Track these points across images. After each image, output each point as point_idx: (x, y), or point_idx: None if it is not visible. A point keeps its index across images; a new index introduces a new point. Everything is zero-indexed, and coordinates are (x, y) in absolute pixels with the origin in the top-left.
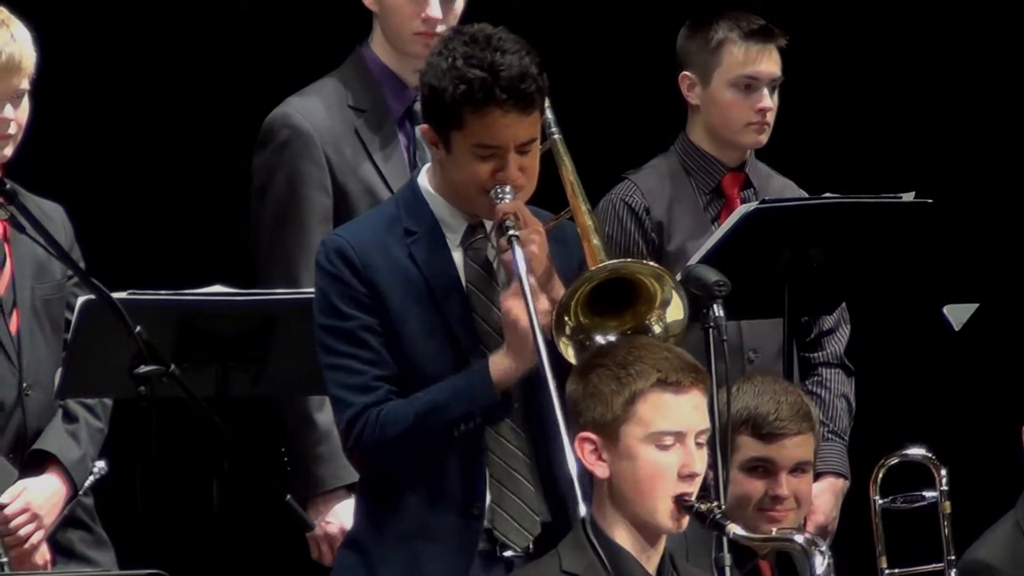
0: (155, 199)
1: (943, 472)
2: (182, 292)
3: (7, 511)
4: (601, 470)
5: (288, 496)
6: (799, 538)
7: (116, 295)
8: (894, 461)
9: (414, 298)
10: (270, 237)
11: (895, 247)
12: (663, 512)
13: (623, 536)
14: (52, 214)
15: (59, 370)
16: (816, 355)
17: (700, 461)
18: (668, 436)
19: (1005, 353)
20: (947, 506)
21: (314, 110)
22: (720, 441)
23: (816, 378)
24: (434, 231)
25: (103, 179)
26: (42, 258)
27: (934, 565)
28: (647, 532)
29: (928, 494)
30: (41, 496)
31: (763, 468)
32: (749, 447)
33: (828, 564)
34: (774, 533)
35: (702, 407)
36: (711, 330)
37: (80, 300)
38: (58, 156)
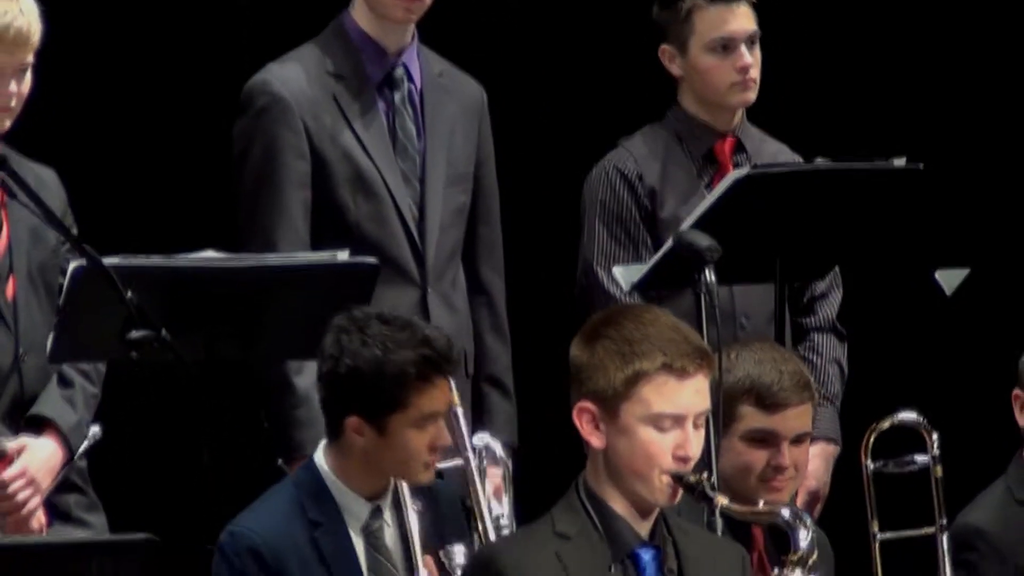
0: (146, 165)
1: (935, 436)
2: (173, 257)
3: (4, 475)
4: (597, 440)
5: (280, 460)
6: (785, 512)
7: (107, 260)
8: (886, 426)
9: None
10: (248, 203)
11: (887, 212)
12: (656, 488)
13: (617, 501)
14: (46, 179)
15: (50, 335)
16: (808, 320)
17: (696, 443)
18: (667, 419)
19: (997, 318)
20: (939, 470)
21: (293, 76)
22: (713, 408)
23: (808, 343)
24: (337, 520)
25: (94, 144)
26: (37, 224)
27: (925, 529)
28: (640, 504)
29: (920, 458)
30: (39, 460)
31: (765, 438)
32: (752, 418)
33: (812, 538)
34: (761, 506)
35: (704, 390)
36: (703, 295)
37: (72, 265)
38: (49, 121)
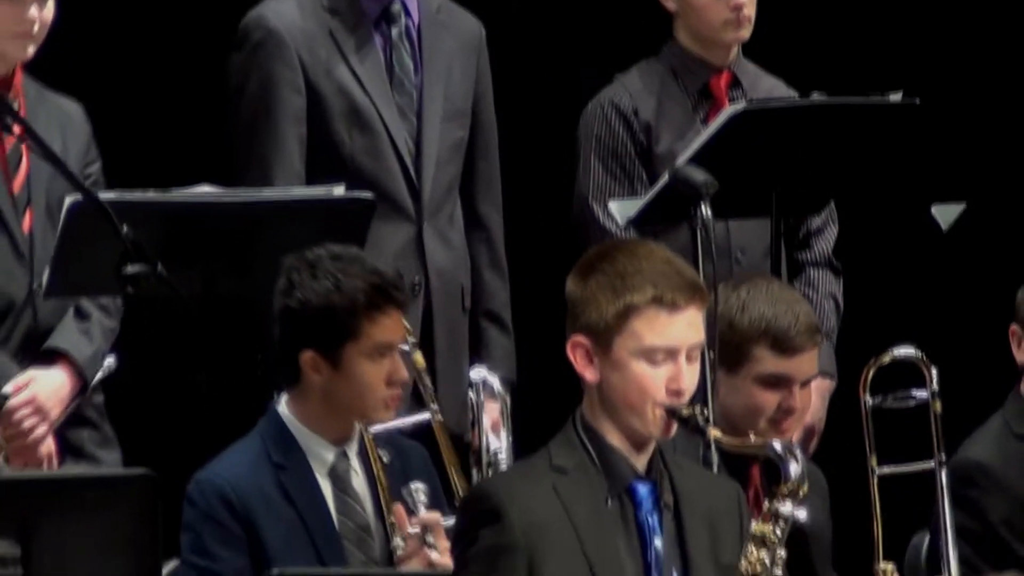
0: (143, 100)
1: (933, 371)
2: (169, 193)
3: (11, 403)
4: (591, 374)
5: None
6: (776, 444)
7: (103, 196)
8: (885, 361)
9: (292, 537)
10: (244, 138)
11: (883, 147)
12: (650, 421)
13: (613, 435)
14: (71, 112)
15: (46, 269)
16: (804, 255)
17: (690, 376)
18: (660, 352)
19: (994, 252)
20: (938, 405)
21: (288, 11)
22: (709, 342)
23: (804, 278)
24: (302, 463)
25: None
26: (60, 157)
27: (924, 464)
28: (635, 437)
29: (918, 393)
30: (48, 390)
31: (778, 382)
32: (767, 361)
33: (802, 470)
34: (752, 438)
35: (697, 323)
36: (699, 230)
37: (67, 200)
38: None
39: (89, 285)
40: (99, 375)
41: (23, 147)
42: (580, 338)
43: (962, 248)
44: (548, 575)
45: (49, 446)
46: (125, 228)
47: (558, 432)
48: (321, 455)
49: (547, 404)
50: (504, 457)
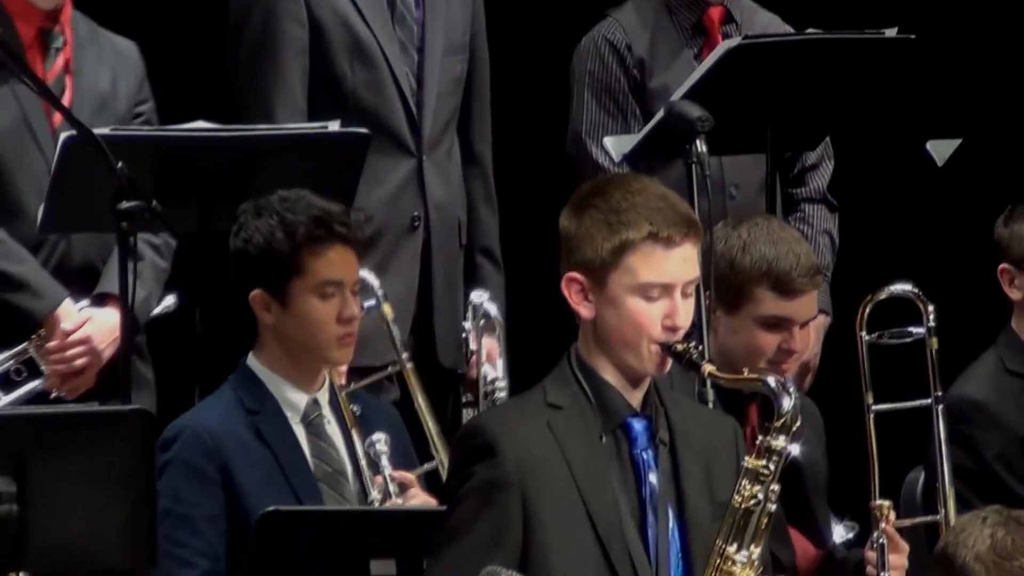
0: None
1: (930, 308)
2: (164, 128)
3: (69, 339)
4: (586, 311)
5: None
6: (771, 380)
7: (98, 131)
8: (881, 297)
9: (267, 478)
10: (246, 72)
11: (878, 82)
12: (646, 357)
13: (608, 371)
14: (124, 51)
15: (41, 205)
16: (799, 191)
17: (685, 312)
18: (655, 288)
19: (990, 188)
20: (934, 342)
21: None
22: (704, 278)
23: (799, 214)
24: (275, 409)
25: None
26: (107, 94)
27: (920, 401)
28: (630, 373)
29: (915, 330)
30: (102, 329)
31: (778, 324)
32: (768, 303)
33: (795, 405)
34: (746, 373)
35: (692, 259)
36: (694, 166)
37: (62, 136)
38: None
39: (84, 221)
40: (158, 310)
41: (67, 80)
42: (575, 274)
43: (958, 184)
44: (542, 511)
45: (90, 381)
46: (120, 163)
47: (552, 369)
48: (293, 402)
49: (541, 341)
50: (503, 385)
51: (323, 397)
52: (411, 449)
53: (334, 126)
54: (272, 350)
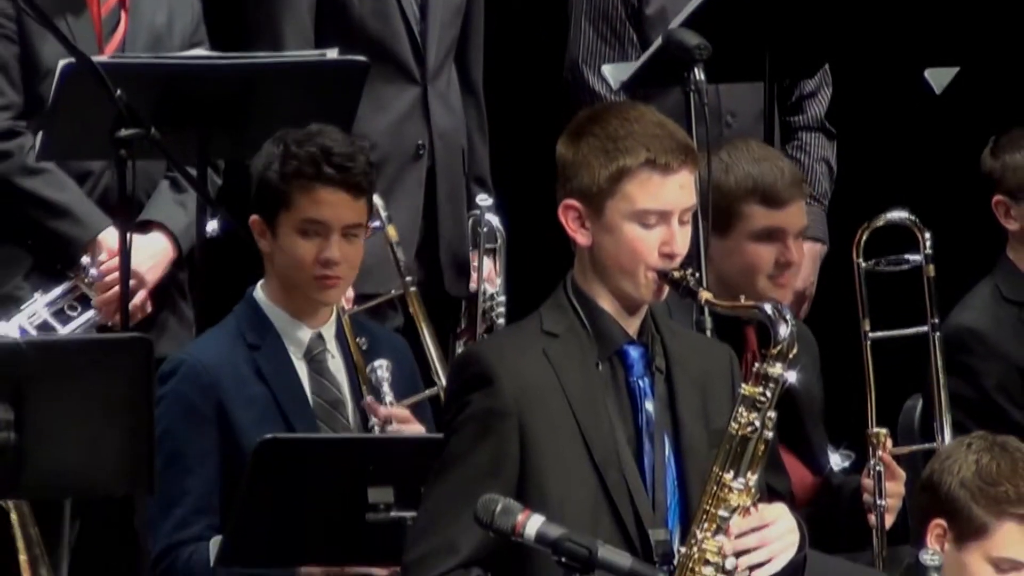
0: None
1: (927, 235)
2: (163, 56)
3: (106, 266)
4: (583, 238)
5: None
6: (767, 307)
7: (97, 59)
8: (878, 224)
9: (263, 414)
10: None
11: (877, 9)
12: (642, 284)
13: (604, 299)
14: None
15: (39, 133)
16: (796, 119)
17: (682, 239)
18: (652, 215)
19: (987, 115)
20: (930, 269)
21: None
22: (702, 207)
23: (796, 142)
24: (276, 344)
25: None
26: (161, 31)
27: (917, 329)
28: (627, 301)
29: (911, 257)
30: (146, 255)
31: (772, 235)
32: (759, 217)
33: (792, 332)
34: (742, 300)
35: (689, 186)
36: (691, 94)
37: (61, 63)
38: None
39: (82, 149)
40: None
41: (122, 12)
42: (572, 202)
43: (956, 111)
44: (539, 439)
45: (145, 308)
46: (119, 91)
47: (548, 297)
48: (296, 336)
49: (537, 270)
50: (502, 301)
51: (329, 331)
52: (418, 378)
53: (332, 54)
54: (274, 282)
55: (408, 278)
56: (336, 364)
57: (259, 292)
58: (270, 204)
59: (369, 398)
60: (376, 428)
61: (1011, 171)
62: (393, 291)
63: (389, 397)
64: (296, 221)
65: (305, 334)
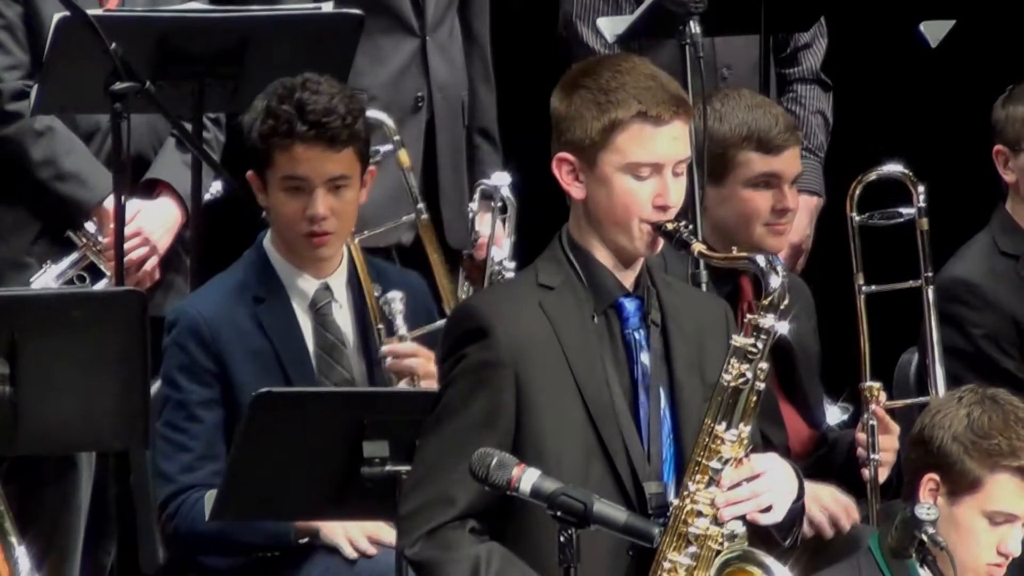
0: None
1: (920, 188)
2: (158, 9)
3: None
4: (577, 191)
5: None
6: (759, 258)
7: (92, 12)
8: (872, 177)
9: (262, 368)
10: None
11: None
12: (636, 237)
13: (599, 252)
14: None
15: (34, 87)
16: (792, 71)
17: (676, 191)
18: (645, 167)
19: (982, 68)
20: (924, 223)
21: None
22: (697, 159)
23: (791, 94)
24: (281, 296)
25: None
26: None
27: (911, 282)
28: (622, 254)
29: (905, 210)
30: (156, 220)
31: (768, 181)
32: (754, 163)
33: (783, 283)
34: (735, 251)
35: (683, 137)
36: (687, 46)
37: (55, 16)
38: None
39: (78, 102)
40: (206, 197)
41: None
42: (565, 155)
43: (951, 64)
44: (535, 391)
45: (154, 275)
46: (113, 45)
47: (544, 250)
48: (301, 288)
49: (537, 222)
50: (511, 266)
51: (337, 279)
52: (434, 314)
53: (327, 7)
54: (275, 233)
55: (420, 205)
56: (343, 314)
57: (267, 241)
58: (257, 161)
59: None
60: (385, 362)
61: (1012, 122)
62: (404, 217)
63: (403, 330)
64: (279, 179)
65: (310, 286)
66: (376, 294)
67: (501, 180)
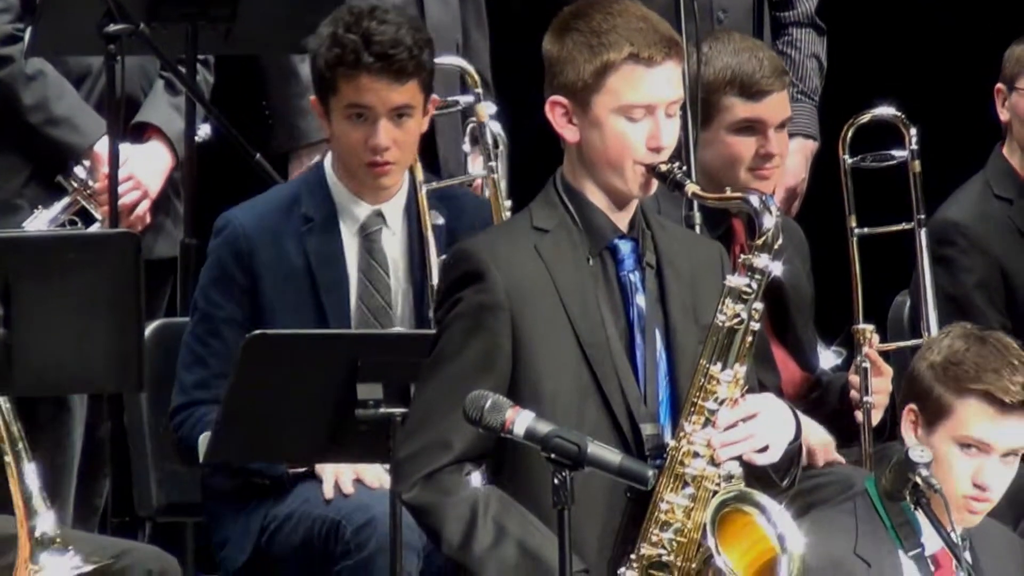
0: None
1: (913, 131)
2: None
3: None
4: (571, 134)
5: (257, 156)
6: (753, 198)
7: None
8: (864, 120)
9: (295, 291)
10: None
11: None
12: (630, 179)
13: (594, 194)
14: None
15: (28, 28)
16: (787, 14)
17: (669, 132)
18: (638, 109)
19: (975, 10)
20: (916, 165)
21: None
22: (691, 102)
23: (786, 38)
24: (330, 220)
25: None
26: None
27: (903, 225)
28: (616, 196)
29: (897, 153)
30: (146, 165)
31: (751, 127)
32: (738, 108)
33: (777, 224)
34: (729, 192)
35: (675, 78)
36: None
37: None
38: None
39: (71, 45)
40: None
41: None
42: (558, 98)
43: (945, 7)
44: (531, 333)
45: (145, 219)
46: None
47: (539, 193)
48: (353, 212)
49: (533, 166)
50: (507, 205)
51: (393, 207)
52: None
53: None
54: (335, 159)
55: (491, 163)
56: (394, 241)
57: (327, 160)
58: (321, 88)
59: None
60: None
61: (1012, 60)
62: (474, 172)
63: None
64: (342, 107)
65: (363, 211)
66: (439, 222)
67: (487, 110)
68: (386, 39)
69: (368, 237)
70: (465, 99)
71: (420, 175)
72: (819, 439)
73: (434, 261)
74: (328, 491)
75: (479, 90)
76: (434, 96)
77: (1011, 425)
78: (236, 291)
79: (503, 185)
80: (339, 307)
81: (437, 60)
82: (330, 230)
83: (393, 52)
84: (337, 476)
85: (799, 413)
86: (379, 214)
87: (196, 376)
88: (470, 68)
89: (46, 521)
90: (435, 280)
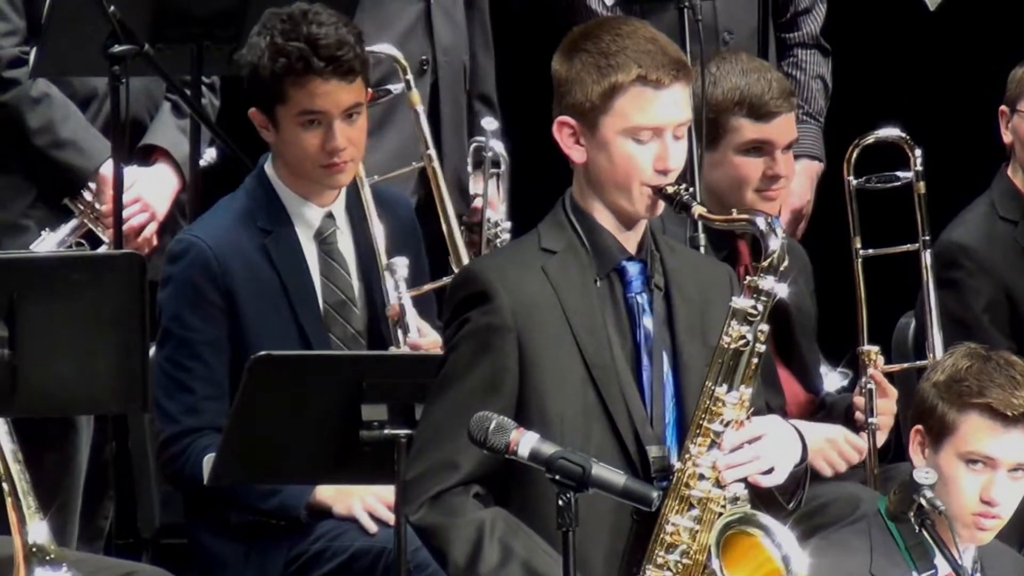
0: None
1: (918, 152)
2: None
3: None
4: (578, 155)
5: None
6: (760, 220)
7: None
8: (869, 141)
9: (271, 304)
10: None
11: None
12: (637, 200)
13: (602, 216)
14: None
15: (32, 50)
16: (792, 35)
17: (676, 155)
18: (645, 131)
19: (980, 32)
20: (921, 187)
21: None
22: (696, 123)
23: (792, 59)
24: (286, 226)
25: None
26: None
27: (908, 246)
28: (623, 216)
29: (902, 174)
30: (154, 187)
31: (759, 148)
32: (746, 129)
33: (783, 245)
34: (735, 213)
35: (683, 101)
36: (685, 11)
37: None
38: None
39: (76, 65)
40: (201, 164)
41: None
42: (566, 119)
43: (950, 28)
44: (538, 355)
45: (152, 241)
46: (112, 7)
47: (547, 215)
48: (306, 218)
49: (539, 187)
50: (507, 227)
51: (339, 207)
52: (423, 256)
53: None
54: (282, 165)
55: (430, 151)
56: (345, 241)
57: (270, 169)
58: (266, 98)
59: (392, 304)
60: (392, 308)
61: (1015, 83)
62: (414, 163)
63: (406, 298)
64: (293, 115)
65: (316, 215)
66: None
67: (489, 125)
68: (331, 41)
69: (325, 240)
70: (396, 87)
71: (362, 172)
72: (831, 435)
73: (383, 252)
74: (370, 525)
75: (409, 77)
76: (369, 89)
77: (1015, 438)
78: (214, 312)
79: (503, 207)
80: (311, 313)
81: (370, 49)
82: (289, 238)
83: (340, 53)
84: (369, 509)
85: (806, 422)
86: (330, 216)
87: (182, 403)
88: (399, 55)
89: (39, 531)
90: (385, 270)
